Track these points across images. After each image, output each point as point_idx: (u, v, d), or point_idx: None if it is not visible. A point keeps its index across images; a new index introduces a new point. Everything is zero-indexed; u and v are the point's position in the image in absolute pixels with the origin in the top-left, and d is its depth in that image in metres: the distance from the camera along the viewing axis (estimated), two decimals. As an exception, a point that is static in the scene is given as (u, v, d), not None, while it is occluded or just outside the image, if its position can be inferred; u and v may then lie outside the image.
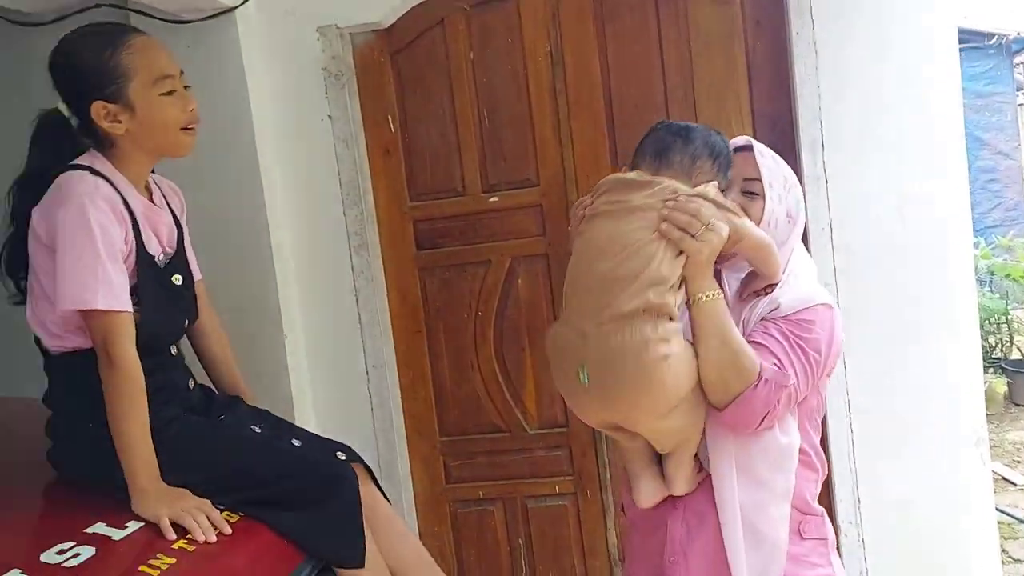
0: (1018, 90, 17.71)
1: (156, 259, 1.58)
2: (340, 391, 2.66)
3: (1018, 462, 4.27)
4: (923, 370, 2.33)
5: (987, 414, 4.81)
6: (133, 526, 1.35)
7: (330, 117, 2.57)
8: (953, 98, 2.32)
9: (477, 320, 2.69)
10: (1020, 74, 17.17)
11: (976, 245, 5.52)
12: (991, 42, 7.27)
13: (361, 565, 1.43)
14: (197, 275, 1.78)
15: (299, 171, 2.60)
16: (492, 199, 2.62)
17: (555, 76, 2.54)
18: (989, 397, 4.96)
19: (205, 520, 1.35)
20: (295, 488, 1.45)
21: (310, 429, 2.50)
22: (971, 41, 7.30)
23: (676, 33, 2.48)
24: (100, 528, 1.34)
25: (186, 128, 1.57)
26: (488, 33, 2.55)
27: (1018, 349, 5.40)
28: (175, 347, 1.67)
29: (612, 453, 2.66)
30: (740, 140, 1.53)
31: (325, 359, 2.65)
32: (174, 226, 1.67)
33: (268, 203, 2.50)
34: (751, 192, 1.46)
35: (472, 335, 2.70)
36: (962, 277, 2.36)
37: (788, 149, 2.45)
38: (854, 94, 2.33)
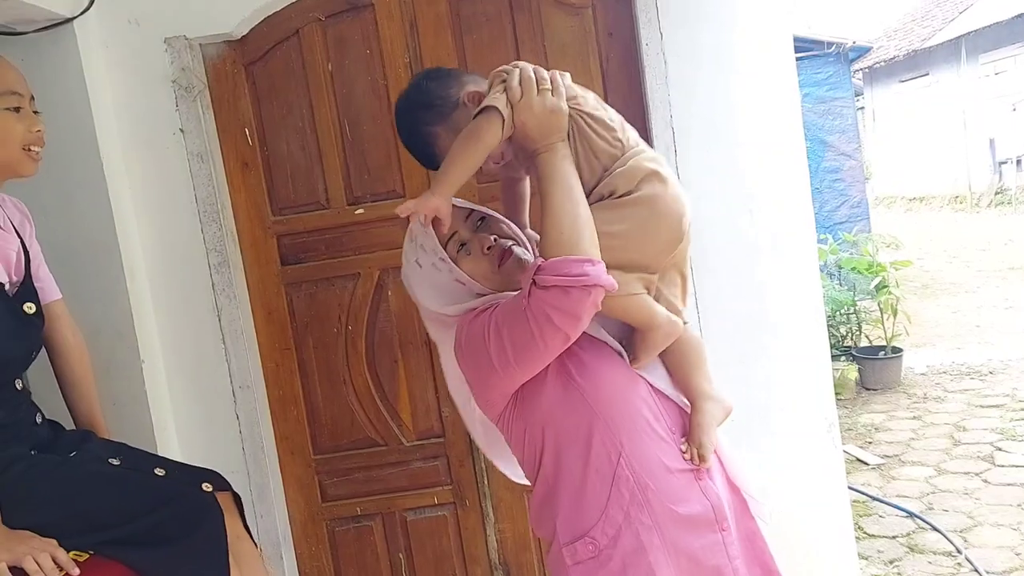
0: (857, 95, 19.00)
1: (5, 288, 1.48)
2: (205, 415, 2.56)
3: (870, 443, 4.56)
4: (775, 361, 2.46)
5: (840, 399, 5.15)
6: (-32, 575, 1.25)
7: (182, 131, 2.47)
8: (792, 103, 2.46)
9: (348, 334, 2.65)
10: (858, 80, 18.42)
11: (825, 241, 5.89)
12: (831, 50, 7.77)
13: (222, 601, 1.38)
14: (56, 294, 1.73)
15: (151, 188, 2.48)
16: (358, 211, 2.59)
17: (416, 86, 2.53)
18: (842, 383, 5.29)
19: (48, 561, 1.27)
20: (153, 523, 1.38)
21: (174, 456, 2.42)
22: (813, 49, 7.79)
23: (533, 43, 2.52)
24: (-72, 580, 1.24)
25: (29, 149, 1.52)
26: (345, 44, 2.52)
27: (866, 337, 5.78)
28: (20, 381, 1.57)
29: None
30: None
31: (187, 382, 2.55)
32: (22, 251, 1.58)
33: (118, 221, 2.37)
34: None
35: (343, 350, 2.65)
36: (807, 271, 2.51)
37: (644, 155, 2.55)
38: (702, 101, 2.44)
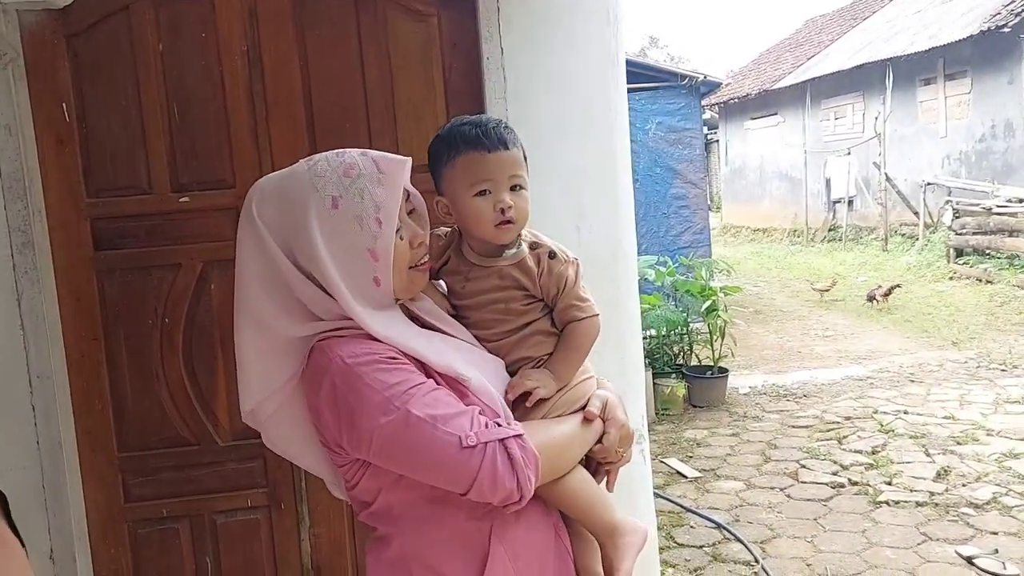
0: (712, 128, 19.98)
1: None
2: (-4, 405, 2.38)
3: (691, 457, 4.80)
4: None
5: (668, 414, 5.40)
6: None
7: (-11, 100, 2.30)
8: (622, 128, 2.57)
9: (164, 327, 2.53)
10: (715, 113, 19.38)
11: (664, 264, 6.17)
12: (683, 83, 8.17)
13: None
14: None
15: (-51, 157, 2.30)
16: (183, 199, 2.49)
17: (252, 77, 2.47)
18: (671, 399, 5.55)
19: None
20: None
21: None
22: (668, 81, 8.17)
23: (376, 47, 2.51)
24: None
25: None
26: (179, 25, 2.42)
27: (696, 356, 6.08)
28: None
29: (307, 462, 2.63)
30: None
31: (-23, 369, 2.36)
32: None
33: (-94, 191, 2.18)
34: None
35: (158, 343, 2.53)
36: (628, 290, 2.62)
37: (481, 166, 2.59)
38: (539, 118, 2.50)
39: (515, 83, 2.49)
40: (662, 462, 4.69)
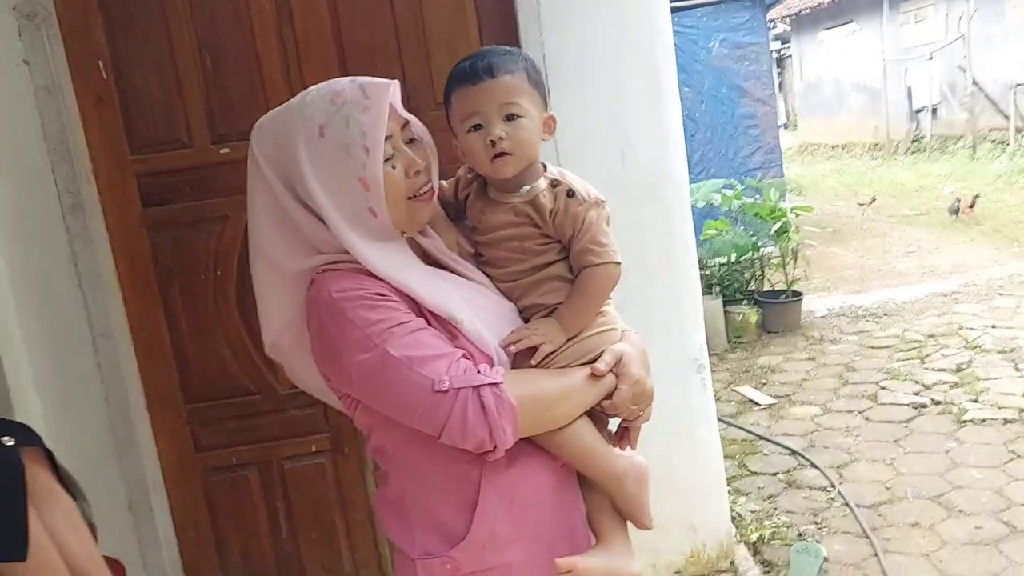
0: (784, 42, 19.00)
1: None
2: (64, 365, 2.45)
3: (764, 384, 4.68)
4: (646, 304, 2.44)
5: (741, 342, 5.26)
6: None
7: (26, 62, 2.31)
8: (665, 46, 2.43)
9: (217, 280, 2.56)
10: (786, 26, 18.46)
11: (731, 187, 5.95)
12: (747, -4, 7.75)
13: (21, 559, 1.32)
14: None
15: (-6, 123, 2.33)
16: (223, 150, 2.48)
17: (280, 18, 2.43)
18: (743, 327, 5.41)
19: None
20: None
21: (34, 408, 2.32)
22: (731, -6, 7.75)
23: (404, -23, 2.42)
24: None
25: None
26: (204, -28, 2.38)
27: (769, 281, 5.89)
28: None
29: (366, 406, 2.65)
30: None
31: (43, 332, 2.42)
32: None
33: (-44, 160, 2.23)
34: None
35: (212, 295, 2.56)
36: (680, 215, 2.51)
37: (521, 95, 2.49)
38: (576, 41, 2.39)
39: (550, 5, 2.38)
40: (734, 390, 4.59)
